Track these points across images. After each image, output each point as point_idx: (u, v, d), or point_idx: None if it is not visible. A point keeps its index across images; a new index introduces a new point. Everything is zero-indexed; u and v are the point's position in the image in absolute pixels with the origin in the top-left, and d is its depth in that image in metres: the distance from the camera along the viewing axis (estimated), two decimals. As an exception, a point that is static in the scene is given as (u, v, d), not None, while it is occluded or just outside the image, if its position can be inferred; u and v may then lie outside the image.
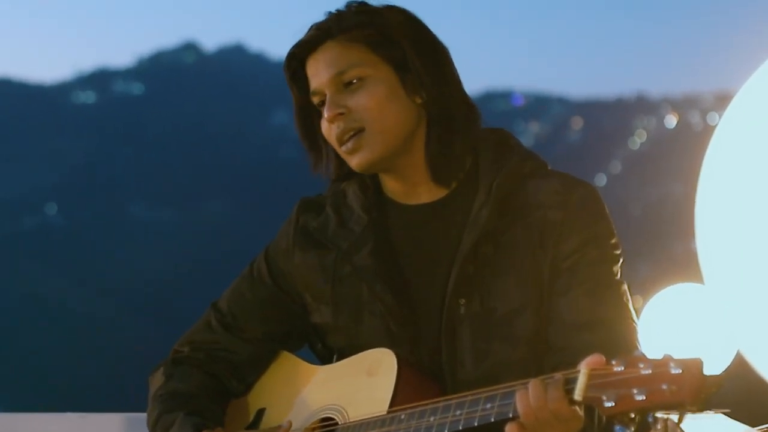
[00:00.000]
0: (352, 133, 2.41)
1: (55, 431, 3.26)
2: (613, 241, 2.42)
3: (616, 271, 2.40)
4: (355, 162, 2.43)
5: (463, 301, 2.37)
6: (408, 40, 2.43)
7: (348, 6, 2.47)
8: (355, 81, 2.42)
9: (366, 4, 2.47)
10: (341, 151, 2.44)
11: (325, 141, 2.49)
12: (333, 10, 2.47)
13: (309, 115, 2.50)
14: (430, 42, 2.47)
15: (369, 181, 2.53)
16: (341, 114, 2.41)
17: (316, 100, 2.46)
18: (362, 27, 2.43)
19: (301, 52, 2.47)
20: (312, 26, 2.46)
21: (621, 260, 2.42)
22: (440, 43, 2.49)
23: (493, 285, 2.37)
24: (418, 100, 2.43)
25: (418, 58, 2.43)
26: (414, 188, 2.48)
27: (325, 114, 2.42)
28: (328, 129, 2.44)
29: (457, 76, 2.49)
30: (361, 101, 2.40)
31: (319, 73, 2.44)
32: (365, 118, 2.40)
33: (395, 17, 2.46)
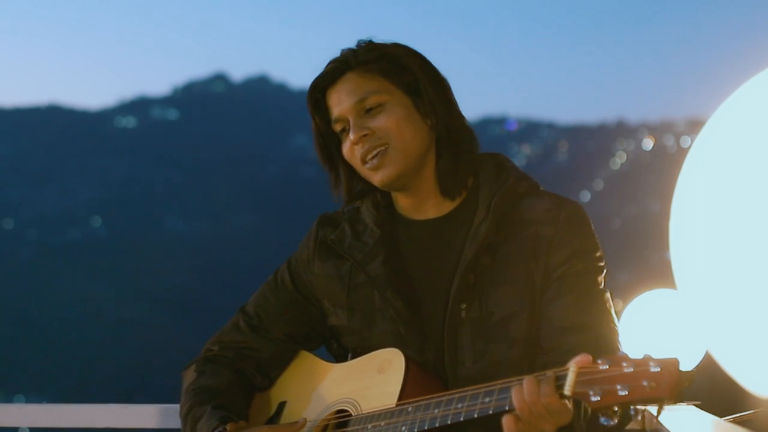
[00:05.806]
0: (375, 151, 2.42)
1: (99, 421, 3.25)
2: (598, 254, 2.42)
3: (600, 281, 2.40)
4: (378, 178, 2.44)
5: (464, 306, 2.37)
6: (417, 67, 2.46)
7: (358, 44, 2.50)
8: (375, 107, 2.43)
9: (374, 42, 2.49)
10: (365, 169, 2.44)
11: (342, 164, 2.50)
12: (345, 48, 2.50)
13: (328, 140, 2.51)
14: (435, 71, 2.49)
15: (381, 199, 2.54)
16: (365, 135, 2.42)
17: (338, 127, 2.47)
18: (376, 60, 2.46)
19: (323, 83, 2.49)
20: (330, 61, 2.48)
21: (605, 271, 2.42)
22: (442, 73, 2.51)
23: (491, 292, 2.37)
24: (429, 123, 2.45)
25: (428, 83, 2.45)
26: (422, 204, 2.48)
27: (351, 136, 2.43)
28: (351, 150, 2.45)
29: (457, 103, 2.51)
30: (383, 122, 2.42)
31: (341, 101, 2.45)
32: (388, 136, 2.41)
33: (402, 49, 2.49)
